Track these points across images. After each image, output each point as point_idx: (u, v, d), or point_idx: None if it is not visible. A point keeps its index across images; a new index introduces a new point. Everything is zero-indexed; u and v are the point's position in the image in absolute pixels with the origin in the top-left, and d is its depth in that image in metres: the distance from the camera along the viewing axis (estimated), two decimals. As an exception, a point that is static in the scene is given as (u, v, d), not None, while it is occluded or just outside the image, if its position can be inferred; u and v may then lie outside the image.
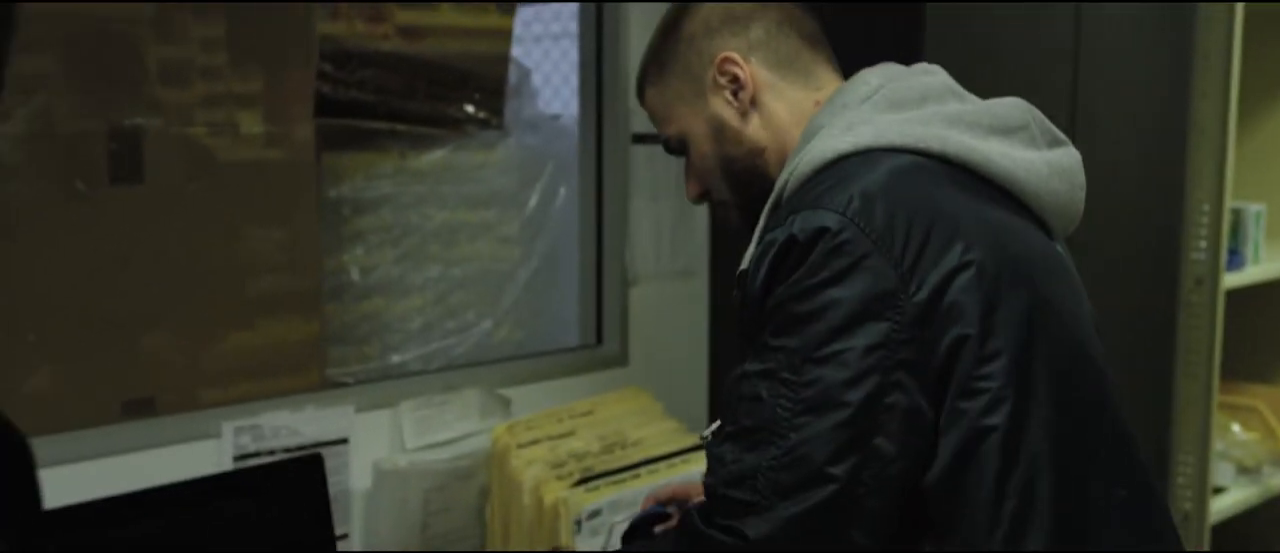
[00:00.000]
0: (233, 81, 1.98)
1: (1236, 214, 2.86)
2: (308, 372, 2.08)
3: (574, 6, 2.39)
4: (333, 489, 1.89)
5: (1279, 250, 3.07)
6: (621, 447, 2.04)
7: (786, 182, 1.29)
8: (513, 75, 2.28)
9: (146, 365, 1.92)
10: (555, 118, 2.44)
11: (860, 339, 1.14)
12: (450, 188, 2.25)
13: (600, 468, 1.96)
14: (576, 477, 1.93)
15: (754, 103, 1.40)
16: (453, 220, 2.27)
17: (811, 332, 1.15)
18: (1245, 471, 2.97)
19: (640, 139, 2.32)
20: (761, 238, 1.25)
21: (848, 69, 2.11)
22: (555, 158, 2.38)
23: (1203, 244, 2.74)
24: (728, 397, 1.22)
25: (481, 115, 2.25)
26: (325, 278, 2.13)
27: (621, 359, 2.33)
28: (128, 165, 1.87)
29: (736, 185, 1.42)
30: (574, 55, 2.42)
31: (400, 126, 2.16)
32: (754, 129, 1.40)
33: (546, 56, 2.64)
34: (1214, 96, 2.73)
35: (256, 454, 1.87)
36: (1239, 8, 2.70)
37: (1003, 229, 1.24)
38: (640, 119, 2.29)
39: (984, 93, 2.18)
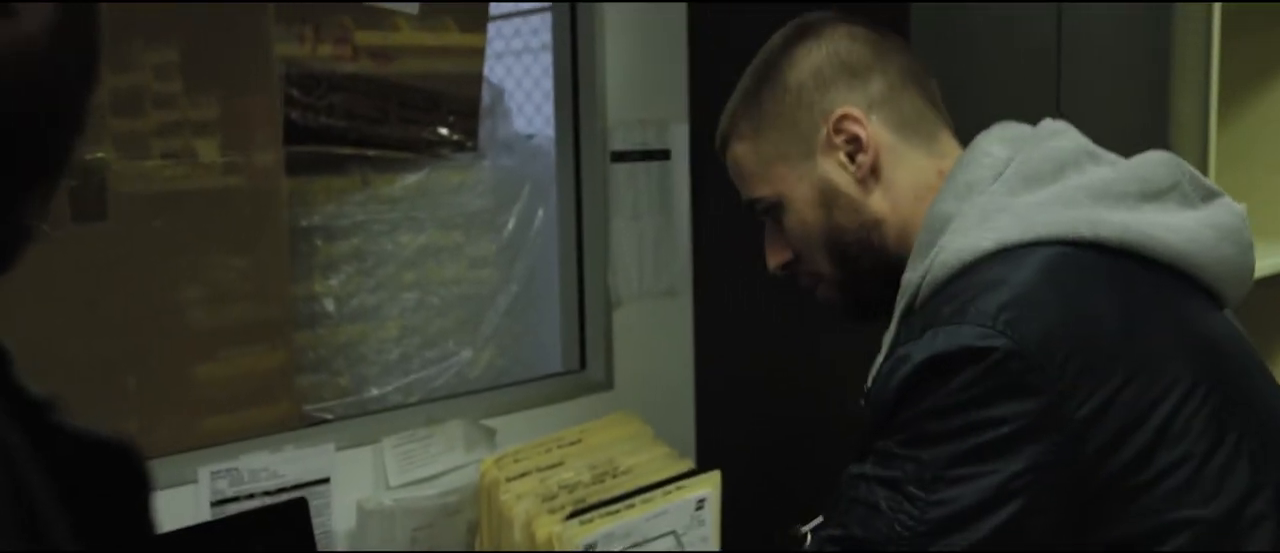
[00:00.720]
0: (189, 109, 1.91)
1: (1218, 214, 2.83)
2: (280, 404, 2.00)
3: (546, 20, 2.32)
4: (316, 532, 1.81)
5: (1263, 249, 3.05)
6: (613, 476, 1.97)
7: (920, 285, 1.14)
8: (486, 95, 2.21)
9: (117, 410, 1.83)
10: (531, 138, 2.38)
11: (1011, 463, 1.01)
12: (424, 213, 2.18)
13: (593, 499, 1.89)
14: (569, 509, 1.85)
15: (874, 169, 1.24)
16: (428, 245, 2.20)
17: (952, 449, 1.02)
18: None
19: (619, 157, 2.25)
20: (891, 350, 1.12)
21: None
22: (532, 178, 2.31)
23: (1187, 245, 2.70)
24: (838, 496, 1.09)
25: (455, 137, 2.17)
26: (297, 307, 2.05)
27: (607, 384, 2.26)
28: (90, 203, 1.78)
29: (843, 260, 1.27)
30: (546, 69, 2.36)
31: (371, 151, 2.09)
32: (873, 198, 1.24)
33: (522, 73, 2.57)
34: (1193, 97, 2.70)
35: (235, 499, 1.79)
36: (1217, 7, 2.67)
37: (1175, 323, 1.10)
38: (619, 136, 2.24)
39: (968, 93, 2.15)
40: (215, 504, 1.77)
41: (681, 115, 2.33)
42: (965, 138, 2.13)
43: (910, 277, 1.16)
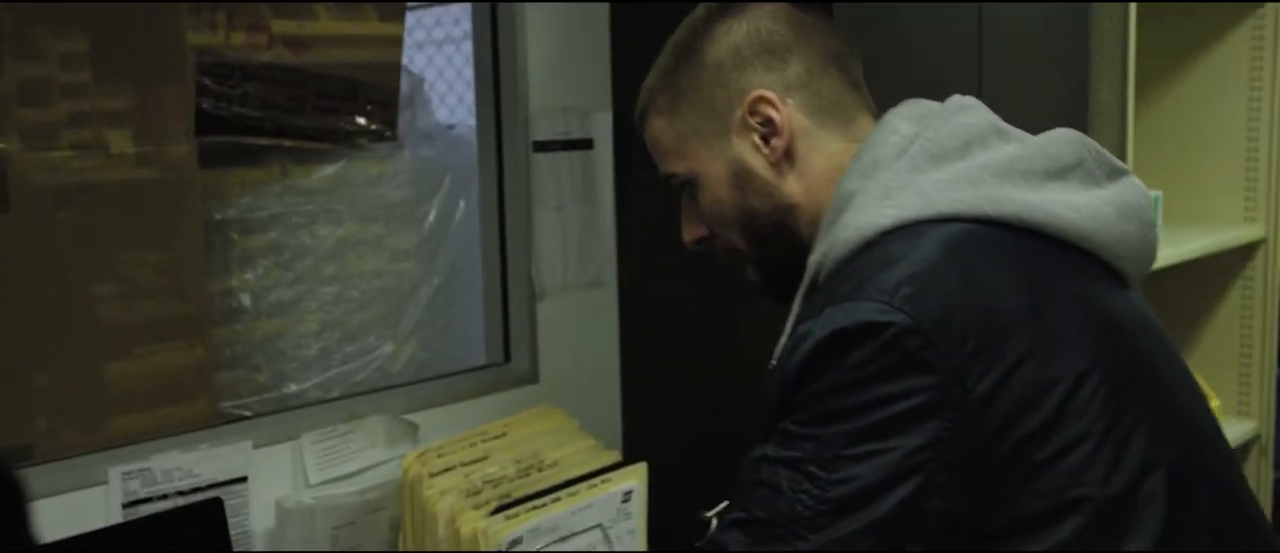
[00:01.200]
0: (99, 99, 1.86)
1: (1136, 201, 2.86)
2: (197, 401, 1.96)
3: (466, 9, 2.29)
4: (233, 532, 1.77)
5: (1176, 235, 3.09)
6: (538, 469, 1.95)
7: (822, 263, 1.13)
8: (405, 84, 2.17)
9: (22, 409, 1.77)
10: (452, 127, 2.34)
11: (908, 439, 1.01)
12: (343, 204, 2.14)
13: (518, 493, 1.86)
14: (494, 504, 1.82)
15: (788, 152, 1.22)
16: (347, 238, 2.15)
17: (851, 427, 1.02)
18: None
19: (542, 147, 2.22)
20: (794, 329, 1.10)
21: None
22: (453, 169, 2.27)
23: (1107, 232, 2.73)
24: (741, 478, 1.08)
25: (374, 127, 2.13)
26: (213, 302, 2.01)
27: (531, 376, 2.23)
28: (-9, 194, 1.73)
29: (756, 241, 1.25)
30: (467, 59, 2.32)
31: (288, 142, 2.04)
32: (786, 182, 1.23)
33: (443, 63, 2.54)
34: (1111, 89, 2.72)
35: (148, 500, 1.74)
36: (1132, 7, 2.70)
37: (1074, 301, 1.10)
38: (542, 126, 2.21)
39: (893, 91, 2.15)
40: (127, 506, 1.72)
41: (605, 104, 2.30)
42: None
43: (813, 255, 1.16)
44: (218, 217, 2.01)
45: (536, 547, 1.82)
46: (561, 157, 2.25)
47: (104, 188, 1.86)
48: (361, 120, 2.11)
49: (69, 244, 1.82)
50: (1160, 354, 1.16)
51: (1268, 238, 3.33)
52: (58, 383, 1.81)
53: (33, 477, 1.68)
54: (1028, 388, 1.02)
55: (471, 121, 2.31)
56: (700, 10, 1.29)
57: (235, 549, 1.77)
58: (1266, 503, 3.34)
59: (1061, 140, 1.18)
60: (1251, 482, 3.32)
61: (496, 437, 2.00)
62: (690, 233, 1.30)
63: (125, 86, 1.89)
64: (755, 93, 1.22)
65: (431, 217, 2.25)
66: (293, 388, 2.08)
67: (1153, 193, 2.96)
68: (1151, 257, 1.21)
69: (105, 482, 1.71)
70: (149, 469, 1.74)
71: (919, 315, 1.02)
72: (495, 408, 2.15)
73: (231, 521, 1.76)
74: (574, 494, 1.89)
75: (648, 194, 2.30)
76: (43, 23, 1.78)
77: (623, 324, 2.37)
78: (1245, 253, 3.32)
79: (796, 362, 1.05)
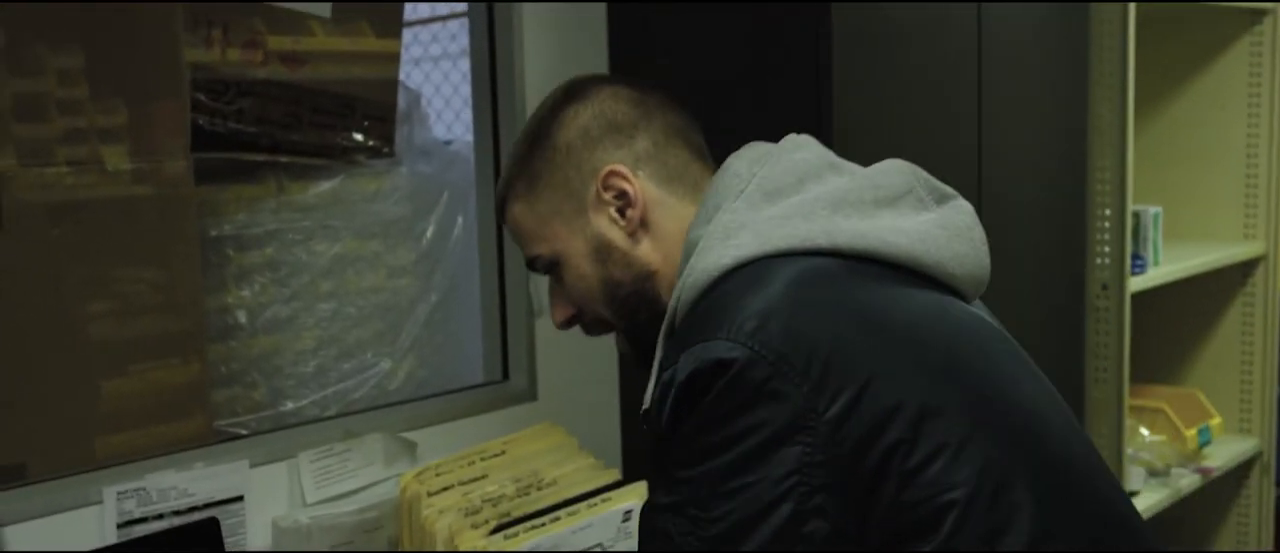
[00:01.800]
0: (95, 115, 1.85)
1: (1136, 217, 2.86)
2: (192, 419, 1.94)
3: (463, 26, 2.28)
4: (229, 552, 1.75)
5: (1176, 251, 3.08)
6: (538, 488, 1.93)
7: (676, 307, 1.19)
8: (402, 100, 2.16)
9: (15, 428, 1.75)
10: (449, 143, 2.33)
11: (771, 468, 1.05)
12: (341, 221, 2.12)
13: (518, 512, 1.85)
14: (493, 524, 1.81)
15: (643, 222, 1.29)
16: (344, 254, 2.14)
17: (718, 464, 1.07)
18: (1156, 473, 2.96)
19: (540, 162, 2.21)
20: (659, 375, 1.15)
21: (758, 71, 2.08)
22: (450, 185, 2.26)
23: (1107, 249, 2.73)
24: (640, 530, 1.14)
25: (370, 143, 2.12)
26: (209, 319, 1.99)
27: (530, 394, 2.22)
28: (-16, 210, 1.71)
29: (622, 311, 1.31)
30: (465, 75, 2.31)
31: (283, 158, 2.03)
32: (643, 250, 1.29)
33: (440, 79, 2.53)
34: (1111, 99, 2.72)
35: (143, 520, 1.72)
36: (1131, 9, 2.70)
37: (916, 319, 1.15)
38: (540, 141, 2.19)
39: (893, 95, 2.14)
40: (122, 526, 1.70)
41: (603, 119, 2.29)
42: (891, 136, 2.12)
43: (670, 302, 1.21)
44: (214, 233, 1.99)
45: (536, 566, 1.80)
46: (560, 173, 2.23)
47: (99, 204, 1.85)
48: (358, 136, 2.10)
49: (64, 261, 1.80)
50: (1008, 361, 1.20)
51: (1268, 254, 3.32)
52: (52, 401, 1.80)
53: (26, 497, 1.67)
54: (880, 405, 1.06)
55: (469, 137, 2.29)
56: (547, 99, 1.36)
57: (231, 570, 1.75)
58: (1268, 520, 3.32)
59: (890, 171, 1.25)
60: (1252, 499, 3.30)
61: (495, 455, 1.98)
62: (560, 313, 1.36)
63: (121, 103, 1.87)
64: (607, 168, 1.28)
65: (429, 233, 2.23)
66: (289, 406, 2.06)
67: (1153, 209, 2.98)
68: (984, 273, 1.27)
69: (100, 501, 1.69)
70: (144, 489, 1.72)
71: (764, 348, 1.07)
72: (494, 426, 2.14)
73: (228, 540, 1.75)
74: (574, 514, 1.87)
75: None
76: (40, 38, 1.77)
77: (622, 341, 2.35)
78: (1245, 269, 3.31)
79: (667, 407, 1.10)
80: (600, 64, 2.28)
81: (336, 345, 2.13)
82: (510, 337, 2.24)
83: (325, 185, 2.10)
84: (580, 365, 2.29)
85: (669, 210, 1.29)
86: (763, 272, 1.14)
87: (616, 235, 1.29)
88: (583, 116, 1.31)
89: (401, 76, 2.16)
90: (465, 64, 2.33)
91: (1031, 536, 1.07)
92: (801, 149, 1.27)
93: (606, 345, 2.33)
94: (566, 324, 1.37)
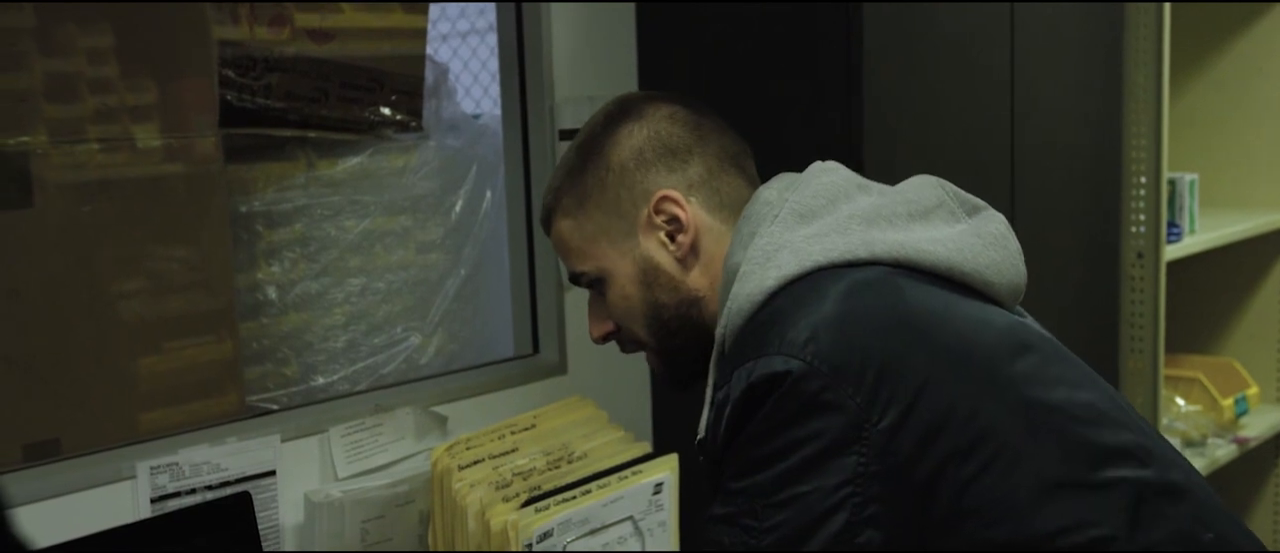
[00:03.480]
0: (125, 94, 1.85)
1: (1172, 185, 2.82)
2: (225, 395, 1.95)
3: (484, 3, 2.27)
4: (262, 527, 1.76)
5: (1213, 219, 3.05)
6: (568, 461, 1.93)
7: (724, 333, 1.19)
8: (429, 74, 2.15)
9: (49, 403, 1.77)
10: (477, 117, 2.32)
11: (826, 478, 1.06)
12: (370, 197, 2.12)
13: (548, 485, 1.84)
14: (524, 497, 1.81)
15: (693, 248, 1.28)
16: (373, 230, 2.14)
17: (772, 474, 1.08)
18: (1191, 443, 2.93)
19: (568, 135, 2.20)
20: (712, 397, 1.17)
21: (788, 71, 2.06)
22: (479, 159, 2.25)
23: (1142, 218, 2.70)
24: (699, 543, 1.16)
25: (399, 117, 2.12)
26: (239, 296, 1.99)
27: (560, 367, 2.21)
28: (15, 189, 1.72)
29: (663, 334, 1.31)
30: (492, 51, 2.30)
31: (312, 133, 2.03)
32: (692, 276, 1.29)
33: (469, 54, 2.52)
34: (1146, 65, 2.69)
35: (176, 495, 1.73)
36: (1166, -9, 2.65)
37: (962, 327, 1.14)
38: (567, 114, 2.19)
39: (927, 81, 2.12)
40: (156, 500, 1.71)
41: (632, 90, 2.28)
42: (924, 129, 2.10)
43: (718, 329, 1.21)
44: (243, 210, 2.00)
45: (567, 539, 1.80)
46: (588, 145, 2.22)
47: (129, 183, 1.85)
48: (386, 111, 2.10)
49: (95, 239, 1.81)
50: (1057, 365, 1.19)
51: (1306, 221, 3.27)
52: (85, 378, 1.81)
53: (60, 472, 1.68)
54: (933, 414, 1.06)
55: (497, 111, 2.29)
56: (600, 113, 1.35)
57: (263, 544, 1.76)
58: (1307, 490, 3.29)
59: (920, 186, 1.26)
60: (1292, 469, 3.27)
61: (526, 429, 1.98)
62: (597, 329, 1.36)
63: (151, 81, 1.88)
64: (660, 192, 1.28)
65: (458, 207, 2.23)
66: (320, 381, 2.07)
67: (1189, 176, 2.94)
68: (1021, 280, 1.27)
69: (133, 476, 1.70)
70: (177, 464, 1.73)
71: (818, 360, 1.07)
72: (525, 400, 2.14)
73: (260, 515, 1.75)
74: (605, 486, 1.87)
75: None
76: (70, 18, 1.77)
77: (652, 314, 2.35)
78: (1283, 236, 3.26)
79: (724, 425, 1.11)
80: (629, 40, 2.27)
81: (366, 321, 2.13)
82: (540, 310, 2.24)
83: (354, 161, 2.10)
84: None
85: (719, 237, 1.29)
86: (810, 288, 1.15)
87: (665, 260, 1.29)
88: (637, 137, 1.30)
89: (429, 52, 2.15)
90: (492, 39, 2.32)
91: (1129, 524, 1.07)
92: (829, 173, 1.28)
93: (636, 319, 2.34)
94: (603, 340, 1.37)
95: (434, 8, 2.19)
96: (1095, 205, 2.61)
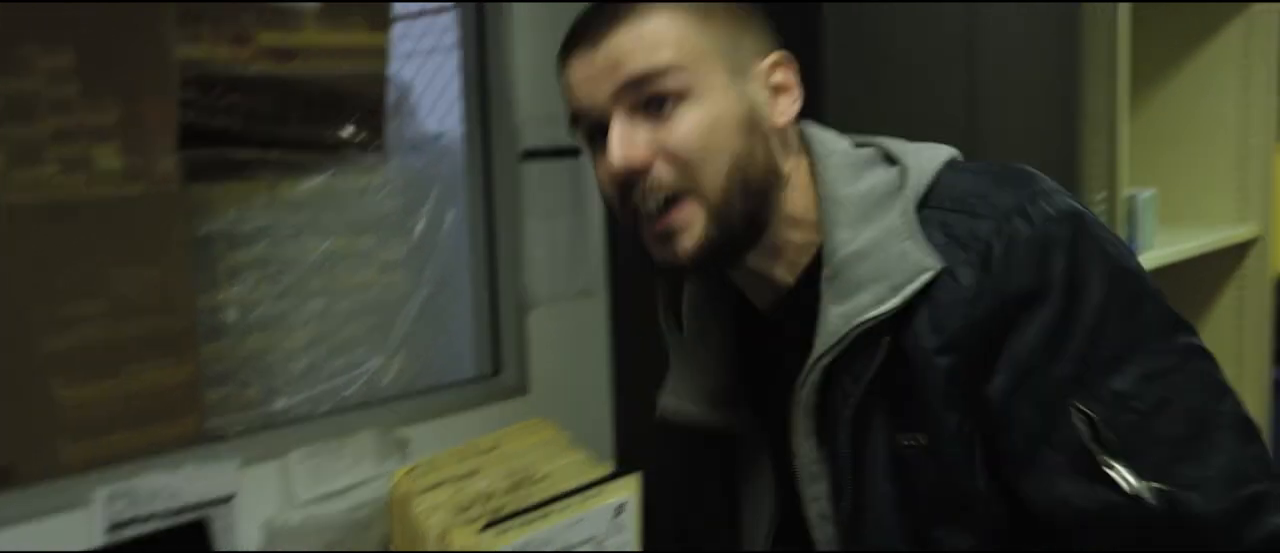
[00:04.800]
0: (86, 114, 1.84)
1: (1130, 201, 2.84)
2: (185, 419, 1.94)
3: (455, 18, 2.27)
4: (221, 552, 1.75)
5: (1171, 235, 3.07)
6: (530, 483, 1.93)
7: (914, 195, 1.09)
8: (391, 94, 2.15)
9: (4, 429, 1.75)
10: (439, 137, 2.32)
11: (1173, 318, 1.05)
12: (331, 216, 2.12)
13: (510, 508, 1.84)
14: (485, 520, 1.80)
15: (779, 130, 1.15)
16: (335, 250, 2.13)
17: (1159, 309, 1.04)
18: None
19: (530, 155, 2.20)
20: (966, 245, 1.04)
21: None
22: (441, 179, 2.25)
23: (1101, 233, 2.72)
24: (1102, 434, 1.01)
25: (360, 138, 2.11)
26: (200, 318, 1.98)
27: (521, 388, 2.21)
28: (-28, 212, 1.71)
29: (735, 190, 1.10)
30: (455, 70, 2.30)
31: (273, 154, 2.02)
32: (781, 154, 1.15)
33: (433, 72, 2.50)
34: (1102, 83, 2.71)
35: (133, 521, 1.71)
36: (1124, 6, 2.68)
37: None
38: (530, 134, 2.19)
39: (886, 91, 2.13)
40: (112, 528, 1.70)
41: (593, 112, 2.28)
42: (885, 112, 2.11)
43: (904, 193, 1.10)
44: (204, 232, 1.99)
45: (528, 562, 1.80)
46: (550, 165, 2.23)
47: (91, 204, 1.84)
48: (348, 131, 2.09)
49: (54, 261, 1.80)
50: None
51: (1262, 236, 3.31)
52: (42, 403, 1.79)
53: (14, 500, 1.66)
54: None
55: (459, 131, 2.29)
56: None
57: (223, 570, 1.75)
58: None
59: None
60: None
61: (487, 451, 1.98)
62: (638, 153, 1.09)
63: (112, 101, 1.86)
64: (779, 54, 1.16)
65: (419, 227, 2.23)
66: (281, 404, 2.06)
67: (1146, 192, 2.96)
68: None
69: (89, 504, 1.69)
70: (133, 489, 1.72)
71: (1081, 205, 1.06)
72: (486, 421, 2.14)
73: (219, 540, 1.74)
74: (566, 509, 1.87)
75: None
76: (30, 37, 1.76)
77: (614, 334, 2.35)
78: (1239, 251, 3.31)
79: (1017, 266, 1.02)
80: (590, 56, 2.27)
81: (328, 342, 2.13)
82: (501, 331, 2.24)
83: (315, 181, 2.09)
84: (572, 359, 2.29)
85: (790, 142, 1.17)
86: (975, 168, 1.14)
87: (769, 119, 1.14)
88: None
89: (391, 71, 2.15)
90: (455, 57, 2.32)
91: None
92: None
93: (598, 338, 2.34)
94: (632, 171, 1.09)
95: (397, 26, 2.18)
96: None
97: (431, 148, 2.26)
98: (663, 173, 1.09)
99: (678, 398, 1.32)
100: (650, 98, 1.09)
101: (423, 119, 2.34)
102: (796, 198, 1.15)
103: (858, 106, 2.08)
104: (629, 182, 1.10)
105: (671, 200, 1.10)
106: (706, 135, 1.09)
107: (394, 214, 2.20)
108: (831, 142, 1.18)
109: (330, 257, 2.13)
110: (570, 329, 2.29)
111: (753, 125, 1.11)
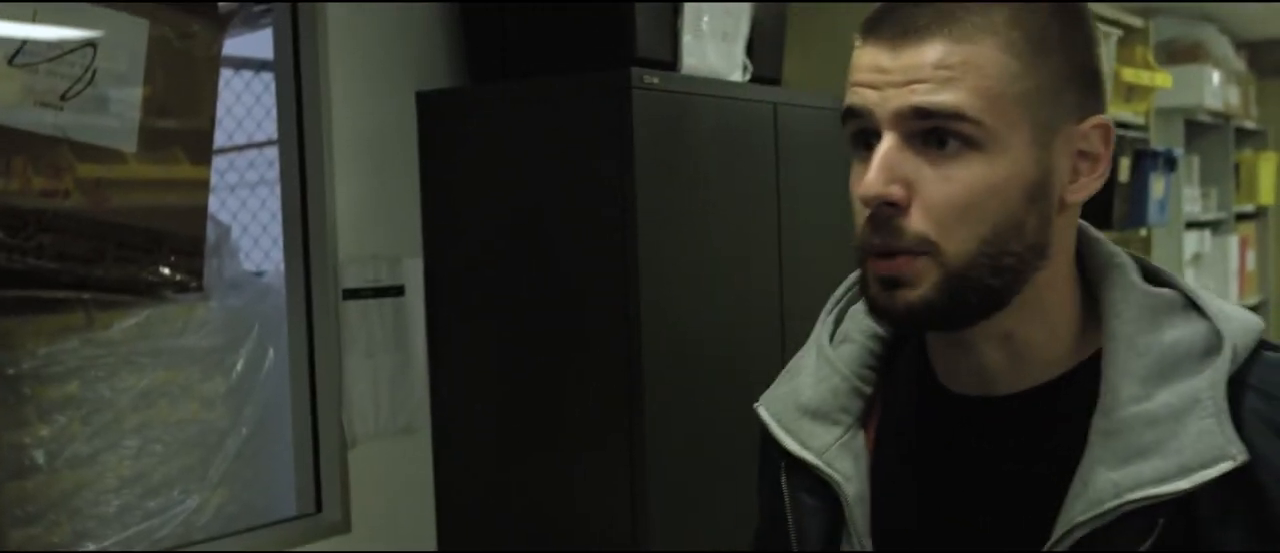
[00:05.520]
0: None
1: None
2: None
3: (274, 154, 2.29)
4: None
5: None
6: (348, 623, 1.91)
7: (1234, 355, 0.95)
8: (211, 232, 2.15)
9: None
10: (260, 275, 2.32)
11: None
12: (147, 356, 2.09)
13: (326, 650, 1.82)
14: (300, 662, 1.78)
15: (1072, 207, 0.98)
16: (151, 388, 2.10)
17: None
18: None
19: (352, 294, 2.22)
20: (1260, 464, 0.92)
21: (567, 217, 2.16)
22: (261, 317, 2.25)
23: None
24: None
25: (178, 277, 2.10)
26: (5, 457, 1.93)
27: (344, 526, 2.20)
28: None
29: (985, 260, 0.94)
30: (276, 205, 2.31)
31: (87, 294, 2.00)
32: (1055, 229, 0.97)
33: (256, 205, 2.51)
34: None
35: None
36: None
37: None
38: (351, 273, 2.21)
39: (694, 180, 2.23)
40: None
41: (415, 250, 2.32)
42: (698, 214, 2.19)
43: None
44: (12, 370, 1.95)
45: None
46: (372, 303, 2.25)
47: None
48: (165, 271, 2.08)
49: None
50: None
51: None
52: None
53: None
54: None
55: (280, 269, 2.29)
56: None
57: None
58: None
59: None
60: None
61: (305, 590, 1.96)
62: (893, 191, 0.93)
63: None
64: (1101, 119, 0.98)
65: (239, 366, 2.21)
66: (91, 547, 2.01)
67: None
68: None
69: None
70: (-72, 641, 1.66)
71: None
72: (306, 560, 2.11)
73: None
74: (384, 648, 1.86)
75: (461, 339, 2.31)
76: None
77: (437, 470, 2.36)
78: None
79: None
80: (412, 200, 2.32)
81: (143, 482, 2.09)
82: (323, 467, 2.23)
83: (131, 320, 2.07)
84: (395, 496, 2.29)
85: (1073, 220, 1.00)
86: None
87: (1058, 190, 0.96)
88: (1101, 45, 1.02)
89: (213, 206, 2.15)
90: (273, 192, 2.33)
91: None
92: None
93: (422, 474, 2.34)
94: (879, 203, 0.93)
95: (221, 159, 2.19)
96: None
97: (252, 286, 2.27)
98: (917, 221, 0.94)
99: (768, 405, 1.11)
100: (933, 132, 0.94)
101: (247, 254, 2.34)
102: (1050, 295, 0.99)
103: (666, 185, 2.16)
104: (878, 213, 0.95)
105: (910, 250, 0.94)
106: (981, 198, 0.93)
107: (213, 352, 2.19)
108: (1124, 264, 1.02)
109: (147, 394, 2.10)
110: (393, 466, 2.29)
111: (1039, 195, 0.95)
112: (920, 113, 0.93)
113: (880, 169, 0.93)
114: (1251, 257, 5.81)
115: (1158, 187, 4.24)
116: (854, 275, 1.09)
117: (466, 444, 2.32)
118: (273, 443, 2.27)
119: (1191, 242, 4.99)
